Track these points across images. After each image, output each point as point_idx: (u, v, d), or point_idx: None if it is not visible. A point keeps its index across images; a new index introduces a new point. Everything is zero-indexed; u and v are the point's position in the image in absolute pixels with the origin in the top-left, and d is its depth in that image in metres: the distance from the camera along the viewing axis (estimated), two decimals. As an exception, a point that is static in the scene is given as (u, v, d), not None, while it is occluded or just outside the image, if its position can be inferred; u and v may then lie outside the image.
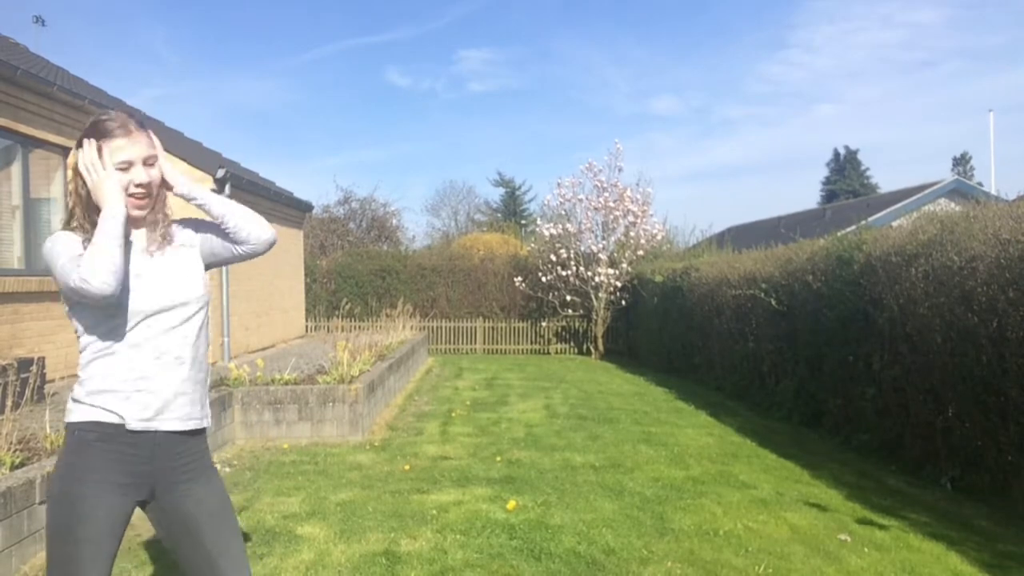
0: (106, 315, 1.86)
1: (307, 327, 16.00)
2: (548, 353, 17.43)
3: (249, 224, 2.04)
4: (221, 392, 6.56)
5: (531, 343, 17.75)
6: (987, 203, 6.13)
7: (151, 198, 1.96)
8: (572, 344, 17.55)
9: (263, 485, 5.27)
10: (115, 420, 1.85)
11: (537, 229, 18.14)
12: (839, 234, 7.74)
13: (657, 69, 68.52)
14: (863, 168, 42.46)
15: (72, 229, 1.90)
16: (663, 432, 7.30)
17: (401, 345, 10.90)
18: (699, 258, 13.06)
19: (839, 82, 69.07)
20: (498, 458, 6.13)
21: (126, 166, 1.88)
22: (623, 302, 16.05)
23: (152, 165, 1.93)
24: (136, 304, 1.88)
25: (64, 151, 8.50)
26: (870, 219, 16.36)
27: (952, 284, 5.23)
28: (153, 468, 1.90)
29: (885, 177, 56.63)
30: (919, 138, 69.50)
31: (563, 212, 16.72)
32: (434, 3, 66.29)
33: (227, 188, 10.02)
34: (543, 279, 16.58)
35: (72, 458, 1.86)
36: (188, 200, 2.03)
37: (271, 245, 2.11)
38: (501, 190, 41.99)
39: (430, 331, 17.21)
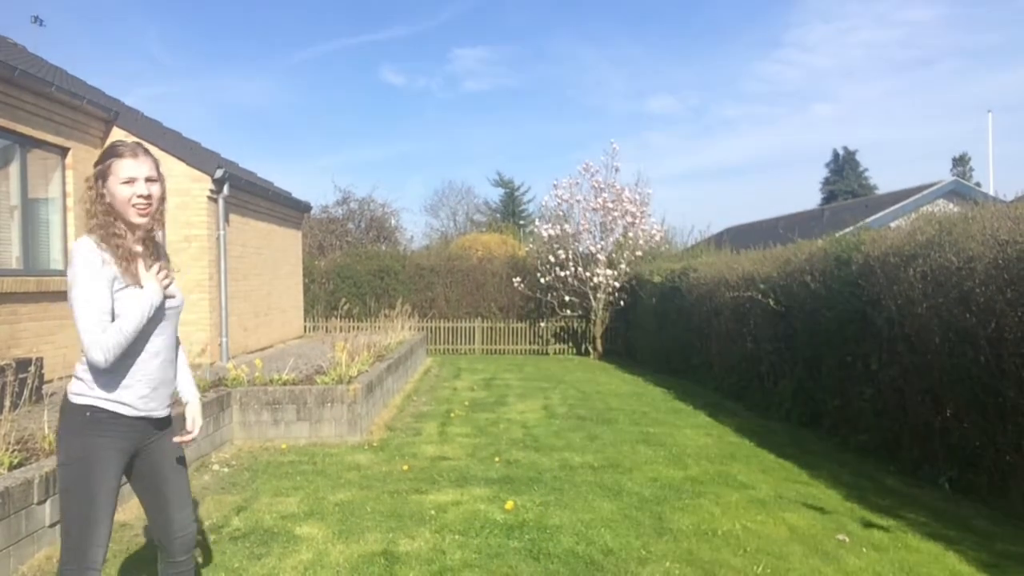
0: None
1: (305, 327, 15.98)
2: (547, 353, 17.44)
3: None
4: (219, 392, 6.56)
5: (530, 343, 17.75)
6: (985, 204, 6.14)
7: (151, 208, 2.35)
8: (570, 344, 17.56)
9: (261, 485, 5.27)
10: None
11: (535, 230, 18.14)
12: (837, 235, 7.74)
13: (653, 68, 68.54)
14: (861, 169, 42.50)
15: (94, 232, 2.28)
16: (661, 432, 7.30)
17: (400, 345, 10.90)
18: (697, 259, 13.07)
19: (836, 81, 69.03)
20: (496, 458, 6.14)
21: (130, 181, 2.28)
22: (621, 303, 16.06)
23: (153, 182, 2.33)
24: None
25: (62, 151, 8.50)
26: (868, 220, 16.40)
27: (950, 285, 5.24)
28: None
29: (884, 177, 56.55)
30: (917, 138, 69.57)
31: (561, 213, 16.73)
32: (428, 2, 66.31)
33: (225, 188, 10.01)
34: (541, 280, 16.59)
35: None
36: None
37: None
38: (500, 190, 42.04)
39: (429, 331, 17.22)
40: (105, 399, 2.26)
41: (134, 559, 3.83)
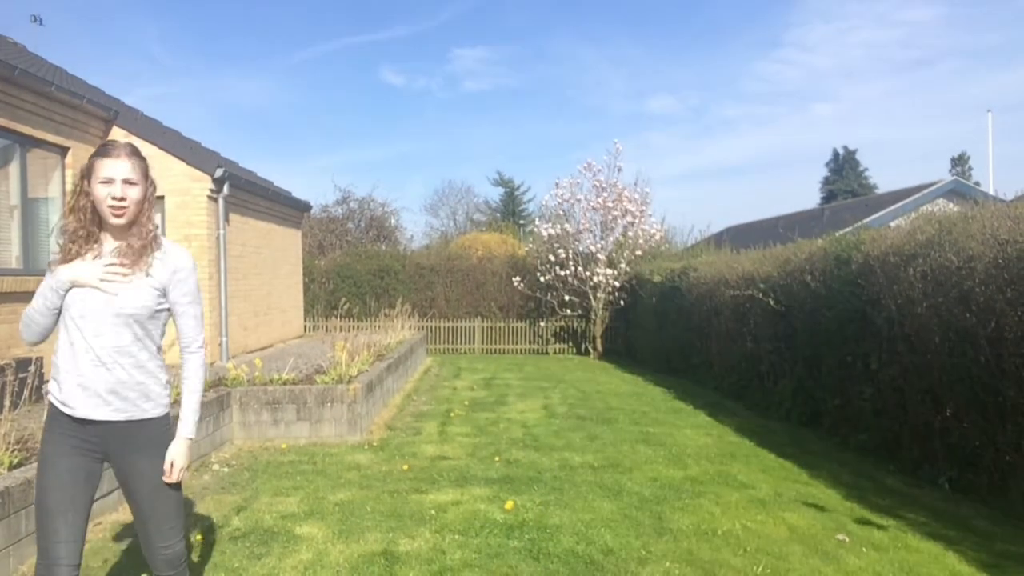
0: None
1: (305, 327, 15.98)
2: (546, 353, 17.44)
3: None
4: (219, 392, 6.56)
5: (529, 343, 17.75)
6: (985, 203, 6.14)
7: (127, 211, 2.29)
8: (570, 344, 17.56)
9: (261, 485, 5.27)
10: None
11: (535, 229, 18.13)
12: (837, 234, 7.74)
13: (653, 68, 68.54)
14: (861, 168, 42.48)
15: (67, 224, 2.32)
16: (661, 432, 7.30)
17: (399, 345, 10.90)
18: (697, 258, 13.06)
19: (836, 81, 69.02)
20: (496, 458, 6.14)
21: (107, 181, 2.25)
22: (621, 302, 16.05)
23: (132, 185, 2.28)
24: None
25: (62, 150, 8.50)
26: (868, 219, 16.40)
27: (950, 284, 5.23)
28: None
29: (883, 177, 56.35)
30: (917, 138, 69.51)
31: (561, 212, 16.73)
32: (428, 2, 66.27)
33: (225, 187, 10.01)
34: (541, 279, 16.58)
35: None
36: None
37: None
38: (500, 190, 42.03)
39: (428, 331, 17.22)
40: (50, 392, 2.33)
41: (135, 557, 3.82)
